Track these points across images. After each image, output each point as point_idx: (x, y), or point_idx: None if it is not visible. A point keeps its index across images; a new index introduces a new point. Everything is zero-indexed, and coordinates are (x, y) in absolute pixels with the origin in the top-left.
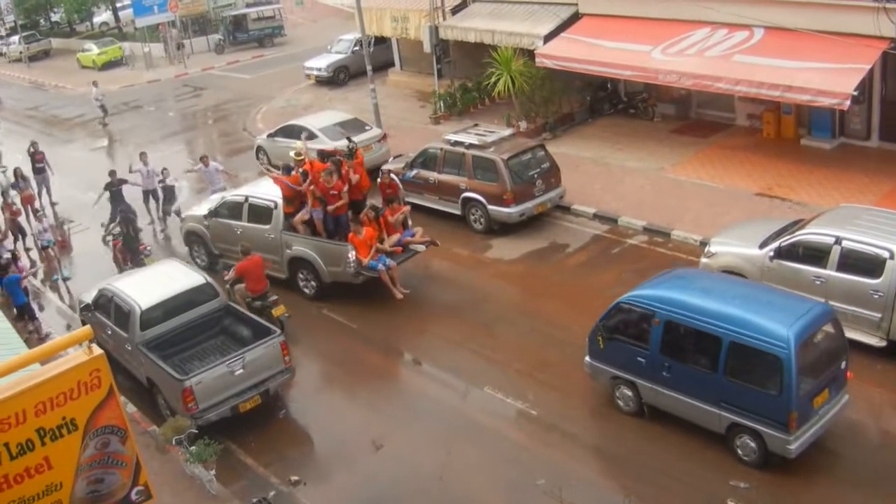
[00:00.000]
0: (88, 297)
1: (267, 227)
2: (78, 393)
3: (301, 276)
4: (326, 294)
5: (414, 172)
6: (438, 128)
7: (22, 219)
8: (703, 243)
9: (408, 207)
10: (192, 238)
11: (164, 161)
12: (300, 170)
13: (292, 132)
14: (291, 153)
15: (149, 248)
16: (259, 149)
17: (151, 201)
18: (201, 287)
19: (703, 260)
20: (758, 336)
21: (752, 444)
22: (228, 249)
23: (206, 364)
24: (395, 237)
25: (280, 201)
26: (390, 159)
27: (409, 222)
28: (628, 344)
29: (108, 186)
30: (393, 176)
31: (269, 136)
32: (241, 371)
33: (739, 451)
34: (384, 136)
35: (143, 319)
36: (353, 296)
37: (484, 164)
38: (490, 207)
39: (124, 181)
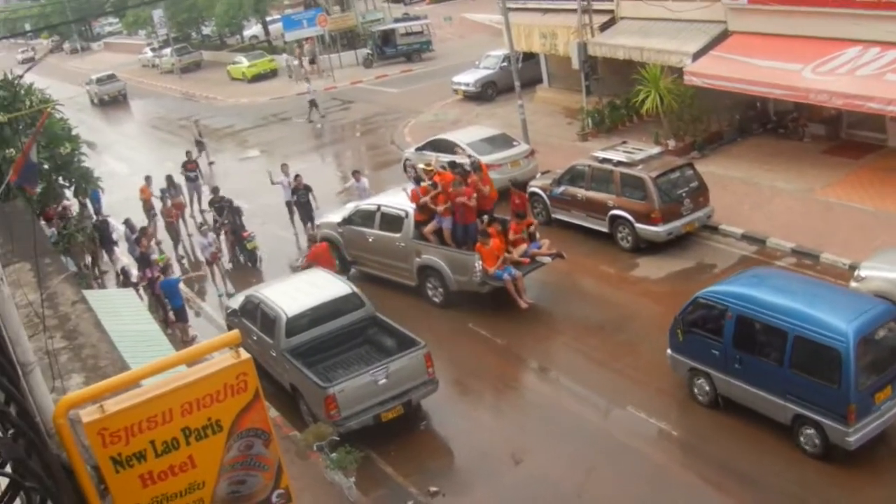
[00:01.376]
0: (235, 304)
1: (398, 235)
2: (224, 395)
3: (429, 284)
4: (467, 307)
5: (561, 189)
6: (586, 145)
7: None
8: (853, 267)
9: (533, 221)
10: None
11: (313, 173)
12: (429, 181)
13: (440, 146)
14: (421, 165)
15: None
16: (406, 161)
17: (295, 212)
18: (347, 297)
19: (853, 284)
20: (819, 330)
21: (815, 436)
22: (361, 256)
23: (349, 372)
24: (523, 248)
25: (411, 211)
26: (538, 175)
27: (537, 235)
28: (704, 337)
29: (211, 203)
30: (538, 189)
31: (418, 149)
32: (384, 381)
33: (803, 443)
34: (532, 152)
35: (289, 326)
36: (499, 310)
37: (632, 182)
38: (637, 225)
39: (225, 201)
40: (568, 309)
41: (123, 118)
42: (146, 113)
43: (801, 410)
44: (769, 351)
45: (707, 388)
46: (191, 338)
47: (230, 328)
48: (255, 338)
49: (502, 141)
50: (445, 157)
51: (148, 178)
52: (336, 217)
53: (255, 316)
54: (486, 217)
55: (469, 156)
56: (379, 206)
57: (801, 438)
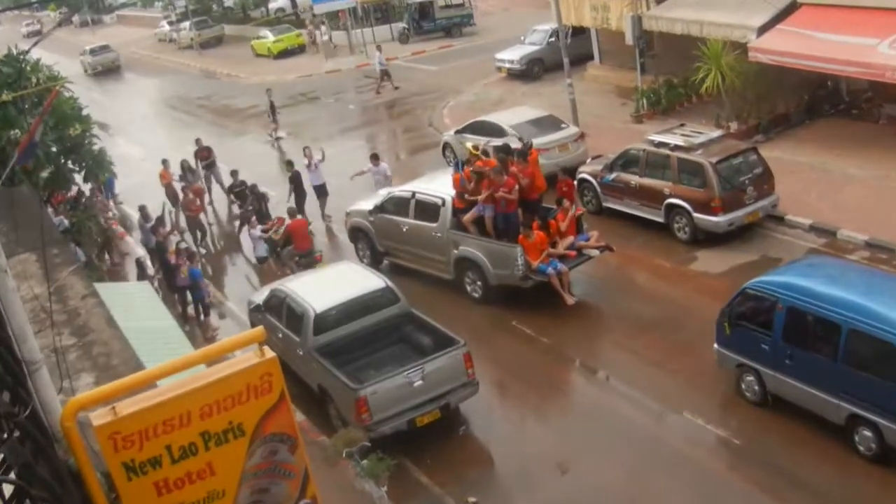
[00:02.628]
0: (259, 298)
1: (434, 224)
2: (247, 397)
3: (468, 278)
4: (508, 303)
5: (613, 175)
6: (640, 127)
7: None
8: None
9: (578, 208)
10: (356, 234)
11: (342, 156)
12: (472, 168)
13: (482, 129)
14: (468, 144)
15: (319, 251)
16: (446, 146)
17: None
18: (381, 291)
19: None
20: (876, 324)
21: (871, 438)
22: (394, 248)
23: (382, 373)
24: (569, 240)
25: (448, 198)
26: (588, 160)
27: (585, 226)
28: (753, 331)
29: (230, 189)
30: (588, 176)
31: (457, 132)
32: (420, 383)
33: (858, 444)
34: (581, 135)
35: (317, 323)
36: (543, 307)
37: (690, 168)
38: (696, 215)
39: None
40: (619, 305)
41: (135, 96)
42: (162, 91)
43: (856, 410)
44: (822, 346)
45: (756, 385)
46: (213, 333)
47: (253, 325)
48: (280, 335)
49: (549, 123)
50: (496, 141)
51: (165, 162)
52: (367, 205)
53: (280, 311)
54: (532, 215)
55: (520, 139)
56: (413, 193)
57: (857, 440)
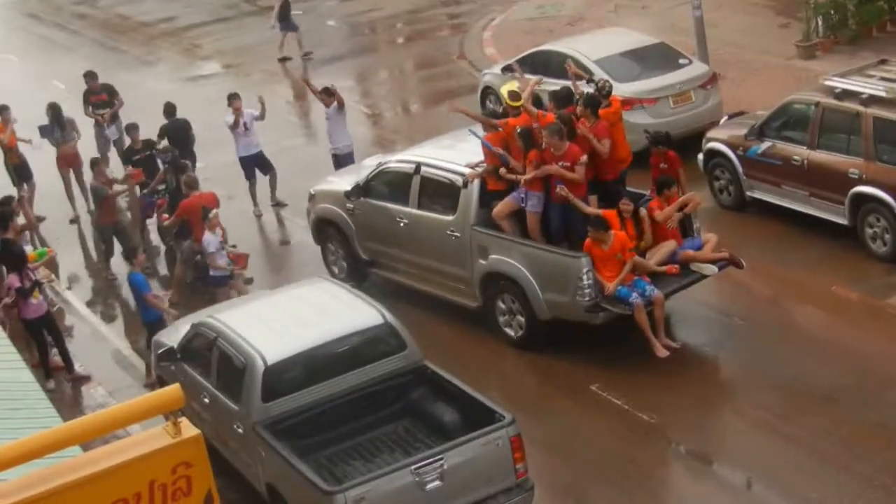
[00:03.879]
0: (173, 338)
1: (449, 217)
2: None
3: (501, 306)
4: (574, 350)
5: (765, 146)
6: (812, 65)
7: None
8: None
9: (694, 196)
10: (324, 230)
11: (313, 108)
12: (517, 126)
13: (546, 65)
14: (504, 90)
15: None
16: (487, 90)
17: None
18: (375, 330)
19: None
20: None
21: None
22: (385, 253)
23: (374, 467)
24: (669, 247)
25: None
26: (722, 120)
27: (697, 224)
28: None
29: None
30: (722, 145)
31: (505, 69)
32: (436, 483)
33: None
34: (713, 78)
35: (268, 382)
36: (636, 359)
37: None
38: None
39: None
40: (768, 362)
41: None
42: None
43: None
44: None
45: None
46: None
47: (162, 381)
48: (206, 400)
49: (660, 56)
50: (554, 83)
51: (3, 110)
52: (344, 183)
53: (207, 361)
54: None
55: (592, 80)
56: (418, 166)
57: None
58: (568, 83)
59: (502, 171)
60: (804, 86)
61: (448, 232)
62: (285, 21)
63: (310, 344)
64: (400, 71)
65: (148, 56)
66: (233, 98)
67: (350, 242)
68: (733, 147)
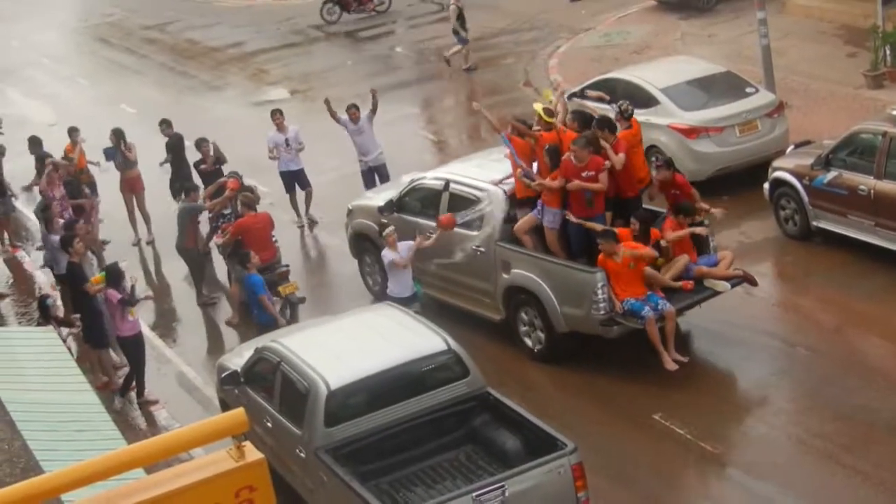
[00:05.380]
0: (237, 362)
1: (475, 233)
2: None
3: (524, 318)
4: (632, 371)
5: (832, 176)
6: (879, 94)
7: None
8: None
9: (713, 210)
10: (362, 244)
11: (388, 130)
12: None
13: (613, 92)
14: (538, 106)
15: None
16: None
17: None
18: (439, 357)
19: None
20: None
21: None
22: (416, 267)
23: (436, 493)
24: (683, 261)
25: (496, 192)
26: (788, 149)
27: (713, 241)
28: None
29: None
30: (789, 175)
31: (573, 96)
32: None
33: None
34: (779, 107)
35: (330, 407)
36: (703, 385)
37: None
38: None
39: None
40: (833, 393)
41: (43, 21)
42: (89, 14)
43: None
44: None
45: None
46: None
47: (226, 405)
48: (269, 424)
49: (726, 85)
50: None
51: (73, 132)
52: (379, 199)
53: (270, 385)
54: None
55: (610, 101)
56: (447, 183)
57: None
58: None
59: (527, 181)
60: (871, 115)
61: (473, 247)
62: (458, 32)
63: (373, 369)
64: (465, 98)
65: (215, 81)
66: (275, 113)
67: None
68: (799, 177)
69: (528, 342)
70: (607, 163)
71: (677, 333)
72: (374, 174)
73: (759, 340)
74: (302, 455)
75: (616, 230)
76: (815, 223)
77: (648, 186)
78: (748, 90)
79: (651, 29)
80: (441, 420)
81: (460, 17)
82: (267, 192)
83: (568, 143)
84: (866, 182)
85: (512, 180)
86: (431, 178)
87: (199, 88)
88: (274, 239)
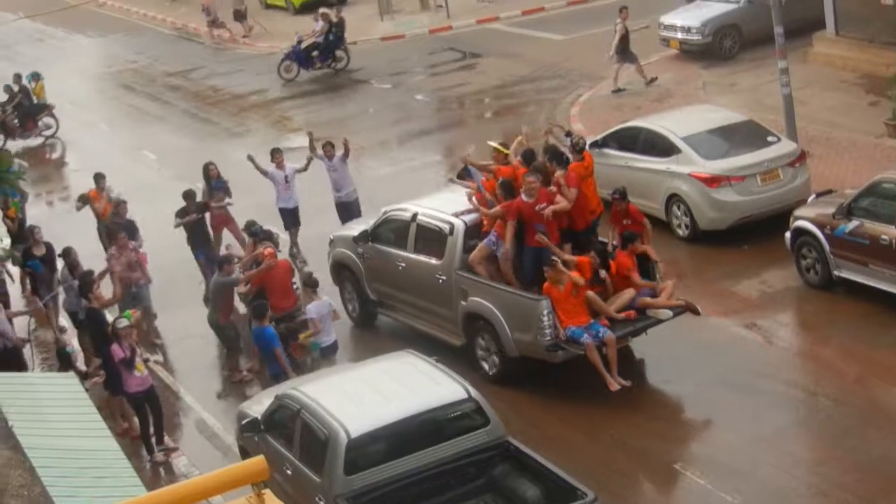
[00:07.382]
0: (256, 409)
1: (437, 262)
2: None
3: (480, 343)
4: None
5: (853, 225)
6: None
7: None
8: None
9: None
10: (341, 273)
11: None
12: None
13: (634, 141)
14: (494, 143)
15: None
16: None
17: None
18: (459, 405)
19: None
20: None
21: None
22: (389, 294)
23: None
24: (628, 295)
25: (457, 223)
26: (810, 198)
27: (659, 269)
28: None
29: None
30: (810, 224)
31: (593, 144)
32: None
33: None
34: (801, 156)
35: (350, 455)
36: (722, 443)
37: None
38: None
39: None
40: (853, 444)
41: (69, 67)
42: (113, 60)
43: None
44: None
45: None
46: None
47: (245, 452)
48: (288, 472)
49: (748, 134)
50: (644, 159)
51: (99, 178)
52: (354, 229)
53: (290, 433)
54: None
55: (570, 134)
56: (415, 214)
57: None
58: (649, 159)
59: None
60: (893, 164)
61: (436, 275)
62: (623, 52)
63: (393, 418)
64: (486, 145)
65: (237, 127)
66: (275, 153)
67: (361, 284)
68: (821, 226)
69: (485, 366)
70: (558, 196)
71: (630, 359)
72: (346, 209)
73: (780, 389)
74: (322, 503)
75: (575, 258)
76: (836, 272)
77: (600, 217)
78: (770, 139)
79: (674, 76)
80: (461, 469)
81: (624, 39)
82: (286, 238)
83: (521, 177)
84: (888, 232)
85: (474, 213)
86: (399, 209)
87: (220, 134)
88: (295, 286)
